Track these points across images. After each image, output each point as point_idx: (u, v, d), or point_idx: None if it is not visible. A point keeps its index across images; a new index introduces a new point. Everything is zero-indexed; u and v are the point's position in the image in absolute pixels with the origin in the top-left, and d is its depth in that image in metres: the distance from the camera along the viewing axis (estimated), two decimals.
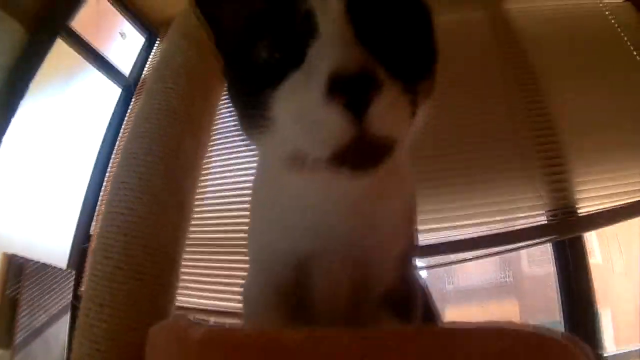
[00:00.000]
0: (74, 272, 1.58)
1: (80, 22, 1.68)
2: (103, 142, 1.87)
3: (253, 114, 0.36)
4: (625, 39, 1.40)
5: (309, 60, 0.32)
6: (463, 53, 1.39)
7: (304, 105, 0.31)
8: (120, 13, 2.01)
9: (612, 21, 1.45)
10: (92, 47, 1.76)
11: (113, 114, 1.93)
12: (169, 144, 0.83)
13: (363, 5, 0.33)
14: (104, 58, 1.86)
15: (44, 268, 1.48)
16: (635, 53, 1.36)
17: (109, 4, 1.92)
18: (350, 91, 0.29)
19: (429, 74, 0.37)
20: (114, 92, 1.96)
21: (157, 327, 0.53)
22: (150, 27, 2.19)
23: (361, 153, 0.31)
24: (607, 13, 1.48)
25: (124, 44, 2.07)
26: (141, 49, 2.18)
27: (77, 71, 1.72)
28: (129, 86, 2.01)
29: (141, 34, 2.19)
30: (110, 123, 1.91)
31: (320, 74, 0.30)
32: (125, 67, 2.04)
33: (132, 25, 2.12)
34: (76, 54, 1.67)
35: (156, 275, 0.75)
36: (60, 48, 1.56)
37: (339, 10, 0.32)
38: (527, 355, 0.34)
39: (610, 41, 1.43)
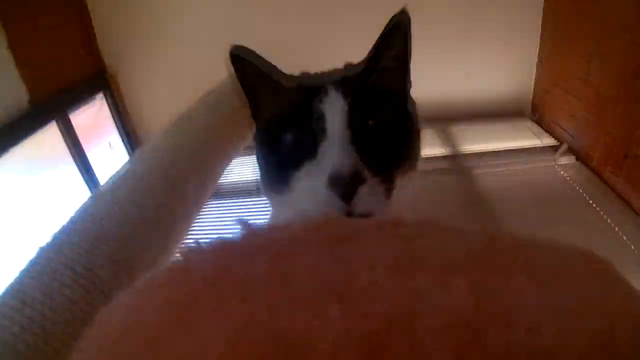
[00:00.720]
0: None
1: (79, 117, 1.73)
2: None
3: (275, 181, 0.47)
4: (581, 191, 1.56)
5: (320, 154, 0.43)
6: (436, 211, 1.49)
7: (313, 188, 0.42)
8: (116, 125, 2.11)
9: (567, 178, 1.64)
10: (80, 144, 1.76)
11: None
12: (172, 176, 0.80)
13: (361, 116, 0.44)
14: (87, 159, 1.84)
15: None
16: (591, 202, 1.49)
17: (109, 112, 2.03)
18: (342, 186, 0.40)
19: (406, 167, 0.47)
20: (84, 194, 1.89)
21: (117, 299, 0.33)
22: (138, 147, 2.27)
23: None
24: (562, 172, 1.68)
25: (109, 154, 2.10)
26: (113, 176, 2.21)
27: (57, 159, 1.67)
28: None
29: (127, 152, 2.25)
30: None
31: (324, 170, 0.41)
32: (103, 176, 2.02)
33: (122, 141, 2.19)
34: (64, 143, 1.66)
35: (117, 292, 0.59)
36: (51, 130, 1.55)
37: (342, 118, 0.43)
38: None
39: (567, 195, 1.59)
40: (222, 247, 0.32)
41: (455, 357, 0.19)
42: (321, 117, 0.44)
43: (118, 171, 0.81)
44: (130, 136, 2.23)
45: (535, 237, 0.29)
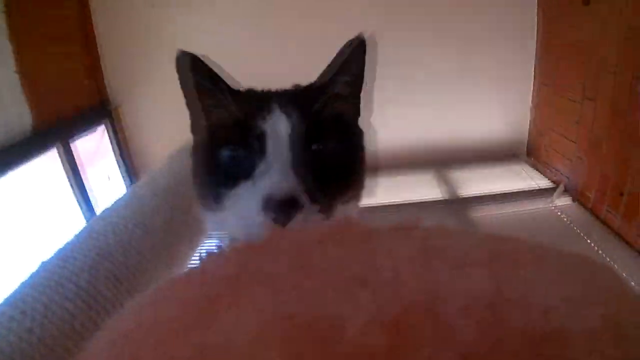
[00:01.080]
0: None
1: (80, 145, 1.73)
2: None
3: (208, 198, 0.44)
4: (579, 231, 1.57)
5: (256, 175, 0.40)
6: None
7: (246, 209, 0.39)
8: (115, 157, 2.12)
9: (564, 218, 1.66)
10: (79, 172, 1.76)
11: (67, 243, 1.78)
12: (178, 199, 0.79)
13: (304, 139, 0.42)
14: (84, 187, 1.83)
15: None
16: (589, 241, 1.50)
17: (110, 144, 2.04)
18: (277, 209, 0.37)
19: (348, 196, 0.45)
20: (79, 223, 1.86)
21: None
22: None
23: None
24: (558, 213, 1.70)
25: (107, 185, 2.09)
26: (120, 197, 2.20)
27: (56, 185, 1.66)
28: None
29: (125, 184, 2.24)
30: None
31: (259, 191, 0.38)
32: (100, 205, 2.00)
33: (120, 173, 2.19)
34: (63, 170, 1.65)
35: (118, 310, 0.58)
36: (52, 156, 1.56)
37: (284, 139, 0.41)
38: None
39: (565, 235, 1.59)
40: (244, 248, 0.32)
41: (479, 335, 0.20)
42: (263, 136, 0.41)
43: (125, 193, 0.82)
44: (129, 168, 2.23)
45: (540, 242, 0.30)
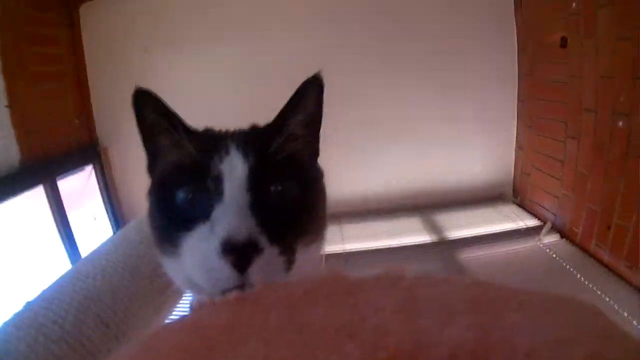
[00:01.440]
0: None
1: (67, 184, 1.71)
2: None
3: (164, 242, 0.42)
4: (568, 266, 1.57)
5: (213, 217, 0.38)
6: None
7: (203, 253, 0.37)
8: (102, 197, 2.09)
9: (554, 255, 1.67)
10: (64, 211, 1.72)
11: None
12: None
13: (262, 180, 0.41)
14: (69, 226, 1.79)
15: None
16: (579, 275, 1.51)
17: (97, 185, 2.02)
18: (236, 254, 0.36)
19: (310, 238, 0.43)
20: (64, 266, 1.81)
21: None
22: (121, 225, 2.24)
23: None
24: (547, 250, 1.71)
25: (93, 226, 2.05)
26: (108, 240, 2.15)
27: (41, 223, 1.62)
28: None
29: (111, 225, 2.20)
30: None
31: (217, 234, 0.37)
32: (83, 244, 1.96)
33: (106, 214, 2.16)
34: (48, 208, 1.62)
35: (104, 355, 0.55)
36: (37, 194, 1.54)
37: (241, 181, 0.40)
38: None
39: (555, 272, 1.60)
40: (235, 300, 0.32)
41: None
42: (219, 177, 0.40)
43: (113, 236, 0.81)
44: (115, 210, 2.20)
45: (524, 287, 0.31)
